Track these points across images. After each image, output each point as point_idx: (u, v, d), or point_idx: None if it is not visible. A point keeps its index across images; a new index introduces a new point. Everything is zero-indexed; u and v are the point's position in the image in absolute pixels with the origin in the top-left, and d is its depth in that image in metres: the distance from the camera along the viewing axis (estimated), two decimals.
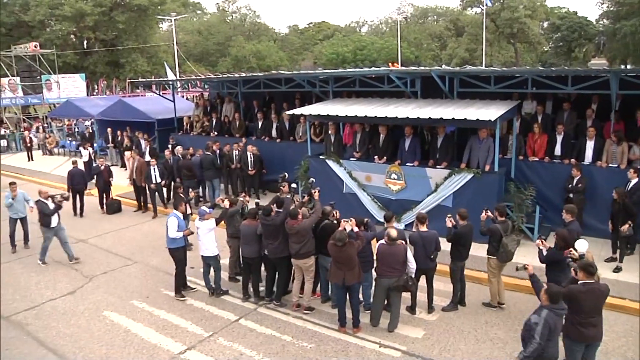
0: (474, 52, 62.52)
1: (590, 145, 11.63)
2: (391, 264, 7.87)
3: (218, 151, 15.72)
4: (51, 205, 11.55)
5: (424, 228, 8.38)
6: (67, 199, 12.26)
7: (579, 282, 6.14)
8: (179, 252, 9.65)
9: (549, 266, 7.63)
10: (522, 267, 7.03)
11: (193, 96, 33.39)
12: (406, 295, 8.53)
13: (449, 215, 8.69)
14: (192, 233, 9.97)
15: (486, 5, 53.29)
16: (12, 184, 12.78)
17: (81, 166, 16.65)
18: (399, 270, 7.90)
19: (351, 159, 13.27)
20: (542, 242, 7.80)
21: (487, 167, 11.32)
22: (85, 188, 15.87)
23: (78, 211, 15.59)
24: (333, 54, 67.48)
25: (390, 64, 25.03)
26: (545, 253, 7.67)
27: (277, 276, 9.22)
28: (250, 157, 15.51)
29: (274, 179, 15.59)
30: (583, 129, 11.95)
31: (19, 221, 12.61)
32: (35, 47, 37.28)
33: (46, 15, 44.25)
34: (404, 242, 8.08)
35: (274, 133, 16.70)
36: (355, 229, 8.15)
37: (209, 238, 9.45)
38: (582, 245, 6.99)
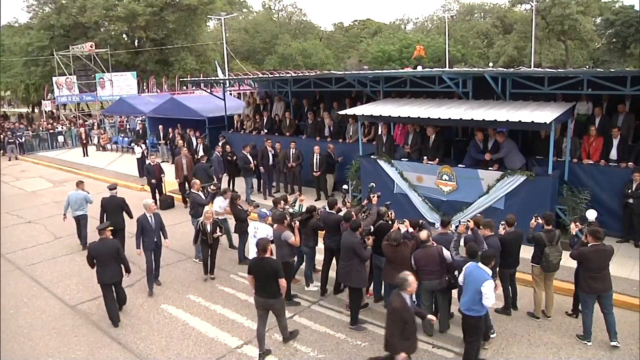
0: (522, 50, 61.13)
1: None
2: (429, 267, 7.82)
3: (272, 150, 16.15)
4: (204, 196, 12.03)
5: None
6: (219, 188, 12.46)
7: (588, 245, 7.55)
8: (481, 322, 7.12)
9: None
10: None
11: (239, 94, 33.92)
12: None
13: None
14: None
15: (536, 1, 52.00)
16: (80, 182, 13.03)
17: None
18: (438, 272, 7.86)
19: (402, 159, 13.29)
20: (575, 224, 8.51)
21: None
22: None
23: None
24: (379, 52, 67.32)
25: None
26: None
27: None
28: (316, 158, 15.42)
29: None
30: None
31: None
32: (91, 47, 38.74)
33: (101, 16, 45.67)
34: (435, 243, 7.98)
35: (326, 132, 16.68)
36: (410, 230, 8.21)
37: None
38: (591, 214, 8.48)
